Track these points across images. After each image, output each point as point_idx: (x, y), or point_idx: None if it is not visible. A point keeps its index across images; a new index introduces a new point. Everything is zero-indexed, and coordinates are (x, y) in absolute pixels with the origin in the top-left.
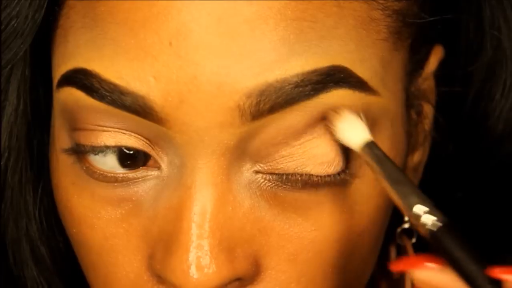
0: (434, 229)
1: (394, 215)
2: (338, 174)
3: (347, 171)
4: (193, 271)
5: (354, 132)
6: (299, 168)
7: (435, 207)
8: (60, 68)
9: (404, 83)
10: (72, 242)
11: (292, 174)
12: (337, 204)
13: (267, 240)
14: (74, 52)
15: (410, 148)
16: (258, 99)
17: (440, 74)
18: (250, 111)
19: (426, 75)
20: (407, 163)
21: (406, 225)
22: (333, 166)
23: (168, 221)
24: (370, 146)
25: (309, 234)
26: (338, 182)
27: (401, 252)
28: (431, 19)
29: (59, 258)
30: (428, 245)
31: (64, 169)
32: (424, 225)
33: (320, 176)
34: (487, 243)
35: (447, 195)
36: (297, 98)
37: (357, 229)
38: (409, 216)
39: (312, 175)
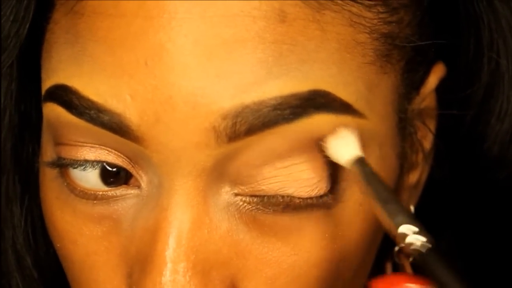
0: (423, 250)
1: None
2: (321, 197)
3: (330, 195)
4: None
5: (345, 148)
6: (281, 190)
7: (423, 228)
8: (45, 83)
9: (396, 105)
10: (58, 256)
11: (273, 196)
12: (318, 229)
13: (244, 263)
14: (56, 67)
15: (406, 168)
16: (234, 121)
17: (440, 96)
18: (226, 132)
19: (425, 94)
20: (403, 182)
21: (403, 244)
22: (317, 190)
23: (145, 242)
24: (361, 162)
25: (288, 258)
26: (321, 205)
27: (398, 270)
28: (422, 43)
29: (46, 269)
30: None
31: (49, 183)
32: (411, 244)
33: (302, 199)
34: (483, 266)
35: (443, 217)
36: (275, 120)
37: (339, 254)
38: (394, 235)
39: (294, 197)
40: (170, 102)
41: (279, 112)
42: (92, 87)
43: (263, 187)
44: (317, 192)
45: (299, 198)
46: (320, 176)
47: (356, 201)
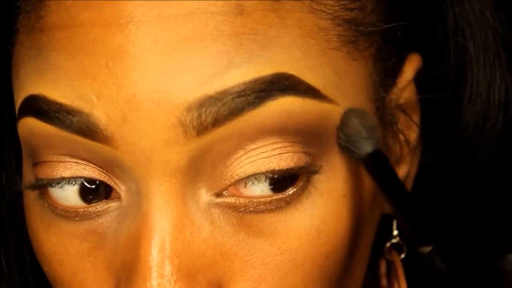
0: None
1: (383, 229)
2: (300, 168)
3: (311, 168)
4: None
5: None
6: (259, 168)
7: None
8: (17, 103)
9: (371, 93)
10: (48, 279)
11: (255, 177)
12: (304, 225)
13: (230, 266)
14: (24, 82)
15: (392, 162)
16: (199, 112)
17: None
18: (193, 125)
19: (402, 85)
20: None
21: (395, 240)
22: (294, 161)
23: (129, 251)
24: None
25: (274, 259)
26: (306, 174)
27: (391, 267)
28: (387, 26)
29: None
30: (416, 261)
31: (32, 206)
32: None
33: (282, 170)
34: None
35: (426, 203)
36: (240, 107)
37: (324, 250)
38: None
39: (274, 169)
40: (135, 101)
41: (243, 98)
42: (57, 91)
43: (241, 169)
44: (296, 163)
45: (279, 170)
46: (294, 151)
47: (340, 193)
